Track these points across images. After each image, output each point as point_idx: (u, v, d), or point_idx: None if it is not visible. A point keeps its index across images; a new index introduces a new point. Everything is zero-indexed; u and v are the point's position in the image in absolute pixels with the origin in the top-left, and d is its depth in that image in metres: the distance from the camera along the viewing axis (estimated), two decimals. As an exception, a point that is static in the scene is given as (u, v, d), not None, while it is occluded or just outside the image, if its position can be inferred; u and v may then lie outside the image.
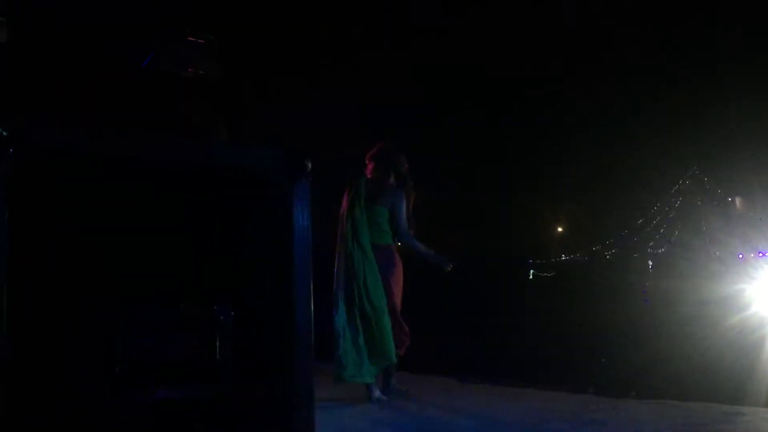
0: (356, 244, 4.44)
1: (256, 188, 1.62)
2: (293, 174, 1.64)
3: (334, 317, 4.37)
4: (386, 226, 4.56)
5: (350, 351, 4.32)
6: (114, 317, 1.42)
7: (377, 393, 4.40)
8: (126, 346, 1.43)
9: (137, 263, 1.47)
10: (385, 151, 4.71)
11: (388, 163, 4.67)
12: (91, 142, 1.47)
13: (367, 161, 4.72)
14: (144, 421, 1.43)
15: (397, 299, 4.55)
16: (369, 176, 4.67)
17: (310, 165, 1.65)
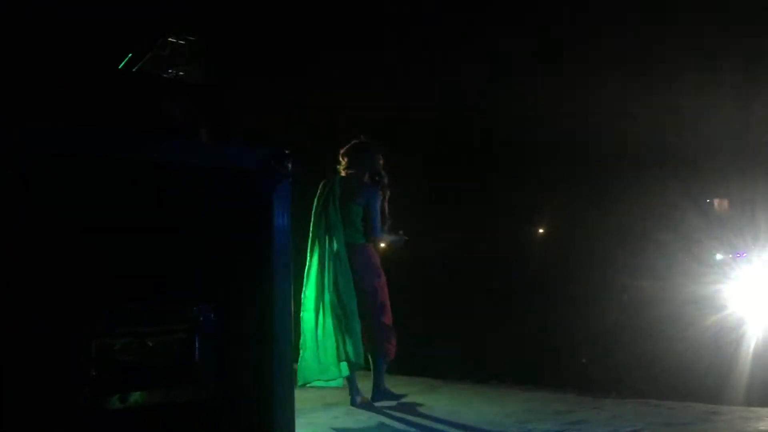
0: (329, 244, 4.31)
1: (236, 188, 1.61)
2: (273, 174, 1.63)
3: (300, 317, 4.26)
4: (361, 225, 4.43)
5: (312, 353, 4.21)
6: (90, 318, 1.40)
7: (359, 399, 4.33)
8: (103, 348, 1.41)
9: (115, 263, 1.45)
10: (360, 148, 4.57)
11: (363, 160, 4.53)
12: (72, 141, 1.45)
13: (340, 158, 4.59)
14: (122, 425, 1.41)
15: (382, 299, 4.40)
16: (343, 174, 4.54)
17: (290, 165, 1.64)
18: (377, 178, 4.55)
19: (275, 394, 1.54)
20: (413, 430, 3.78)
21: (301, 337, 4.22)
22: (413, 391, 4.88)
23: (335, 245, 4.30)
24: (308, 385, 4.24)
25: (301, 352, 4.23)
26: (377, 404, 4.29)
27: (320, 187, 4.49)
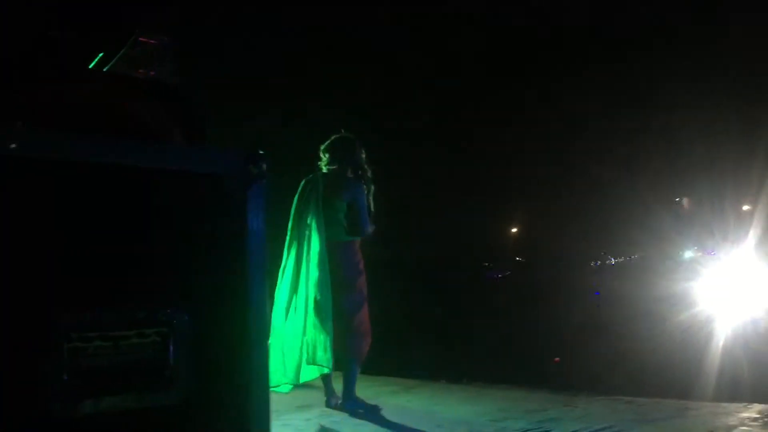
0: (308, 242, 4.11)
1: (209, 190, 1.60)
2: (248, 177, 1.62)
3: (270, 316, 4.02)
4: (346, 222, 4.23)
5: (278, 355, 4.01)
6: (61, 322, 1.38)
7: (333, 401, 4.25)
8: (74, 353, 1.39)
9: (87, 266, 1.43)
10: (341, 143, 4.39)
11: (345, 155, 4.35)
12: (39, 145, 1.43)
13: (321, 154, 4.41)
14: (94, 430, 1.40)
15: (361, 300, 4.24)
16: (325, 170, 4.35)
17: (265, 167, 1.63)
18: (360, 173, 4.38)
19: (251, 398, 1.53)
20: (389, 428, 3.79)
21: (270, 338, 4.11)
22: (388, 391, 4.89)
23: (316, 243, 4.09)
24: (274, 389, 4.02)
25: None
26: (350, 402, 4.21)
27: (301, 184, 4.32)
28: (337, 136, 4.41)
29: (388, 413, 4.09)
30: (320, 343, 3.98)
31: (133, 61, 2.14)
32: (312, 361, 4.00)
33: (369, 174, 4.40)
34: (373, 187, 4.38)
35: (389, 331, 4.20)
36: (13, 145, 1.38)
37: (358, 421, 3.97)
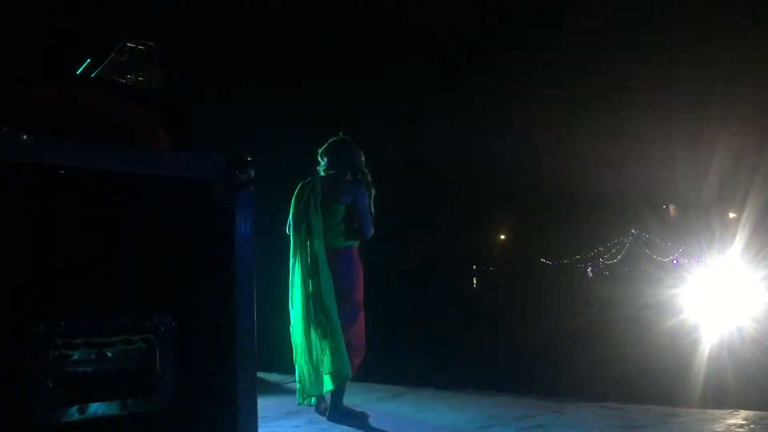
0: (310, 249, 3.96)
1: (196, 196, 1.59)
2: (235, 183, 1.62)
3: (290, 332, 3.97)
4: (346, 227, 4.07)
5: (306, 369, 3.91)
6: (46, 329, 1.37)
7: (323, 405, 4.15)
8: (59, 360, 1.38)
9: (72, 273, 1.42)
10: (339, 145, 4.24)
11: (344, 158, 4.19)
12: (23, 150, 1.42)
13: (319, 158, 4.26)
14: (80, 437, 1.38)
15: (359, 309, 4.11)
16: (323, 174, 4.19)
17: (253, 173, 1.62)
18: (360, 177, 4.21)
19: (238, 405, 1.53)
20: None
21: (293, 353, 3.94)
22: (376, 398, 4.88)
23: (316, 249, 3.94)
24: (308, 404, 3.98)
25: (296, 368, 3.95)
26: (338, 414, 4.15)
27: (298, 188, 4.16)
28: (335, 138, 4.27)
29: (375, 420, 4.07)
30: (335, 353, 3.87)
31: (120, 66, 2.14)
32: (329, 372, 3.90)
33: (369, 178, 4.24)
34: (373, 191, 4.23)
35: (376, 337, 4.15)
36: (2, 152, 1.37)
37: (345, 428, 3.96)
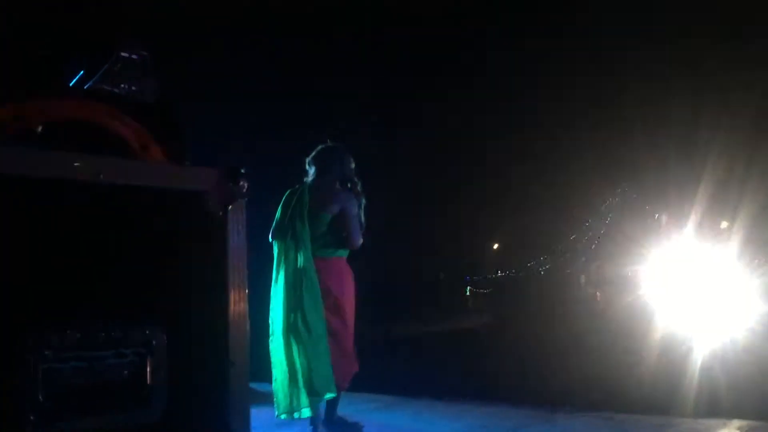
0: (295, 258, 3.80)
1: (190, 208, 1.59)
2: (228, 194, 1.61)
3: (269, 343, 3.78)
4: (334, 237, 3.92)
5: (284, 383, 3.76)
6: (38, 343, 1.36)
7: (318, 417, 3.91)
8: (51, 373, 1.37)
9: (64, 286, 1.42)
10: (328, 153, 4.08)
11: (334, 166, 4.03)
12: (17, 162, 1.42)
13: (307, 166, 4.10)
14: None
15: (350, 321, 3.93)
16: (311, 183, 4.02)
17: (246, 185, 1.62)
18: (350, 185, 4.04)
19: (230, 416, 1.52)
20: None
21: (273, 367, 3.75)
22: (370, 408, 4.86)
23: (301, 260, 3.79)
24: (286, 416, 3.76)
25: (273, 382, 3.76)
26: (332, 425, 4.09)
27: (285, 196, 4.01)
28: (324, 146, 4.11)
29: (367, 431, 4.05)
30: (317, 369, 3.72)
31: (113, 77, 2.13)
32: (311, 389, 3.73)
33: (359, 187, 4.09)
34: (363, 201, 4.08)
35: (369, 346, 4.12)
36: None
37: (337, 437, 3.94)
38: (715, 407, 4.54)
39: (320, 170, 4.05)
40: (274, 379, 3.74)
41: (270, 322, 3.81)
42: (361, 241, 4.01)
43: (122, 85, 2.14)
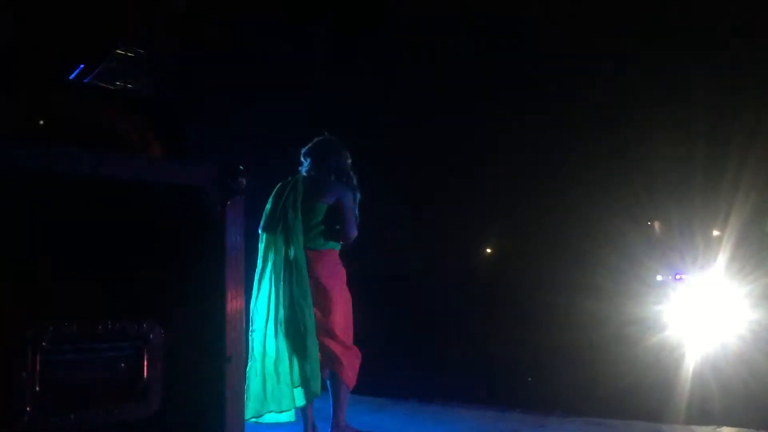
0: (285, 250, 3.69)
1: (187, 204, 1.59)
2: (226, 190, 1.61)
3: (250, 337, 3.59)
4: (327, 228, 3.81)
5: (261, 380, 3.61)
6: (34, 335, 1.36)
7: (309, 418, 3.81)
8: (47, 366, 1.37)
9: (61, 278, 1.42)
10: (323, 145, 4.00)
11: (329, 159, 3.95)
12: (15, 157, 1.41)
13: (302, 159, 4.02)
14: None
15: (344, 315, 3.84)
16: (306, 175, 3.93)
17: (244, 181, 1.62)
18: (345, 179, 3.96)
19: (226, 412, 1.52)
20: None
21: (250, 361, 3.57)
22: (358, 410, 4.84)
23: (292, 251, 3.66)
24: (256, 419, 3.58)
25: (246, 380, 3.50)
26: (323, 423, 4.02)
27: (277, 188, 3.89)
28: (320, 138, 4.03)
29: (358, 433, 4.04)
30: (304, 365, 3.60)
31: (111, 73, 2.14)
32: (299, 385, 3.62)
33: (354, 181, 3.99)
34: (358, 195, 3.98)
35: (361, 348, 4.06)
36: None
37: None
38: (705, 414, 4.56)
39: (316, 162, 3.96)
40: (249, 374, 3.53)
41: (251, 314, 3.64)
42: (356, 233, 3.91)
43: (117, 82, 2.14)
